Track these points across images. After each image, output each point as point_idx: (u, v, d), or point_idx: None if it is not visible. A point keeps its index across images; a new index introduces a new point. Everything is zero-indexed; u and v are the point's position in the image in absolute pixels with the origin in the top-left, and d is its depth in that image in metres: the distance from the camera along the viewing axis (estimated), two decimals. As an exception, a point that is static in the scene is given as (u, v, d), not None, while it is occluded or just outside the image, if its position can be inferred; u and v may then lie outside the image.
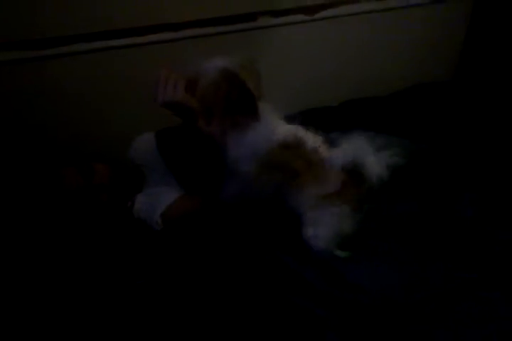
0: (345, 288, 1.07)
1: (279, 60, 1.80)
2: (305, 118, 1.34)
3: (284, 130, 1.11)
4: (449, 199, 1.33)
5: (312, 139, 1.13)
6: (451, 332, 0.97)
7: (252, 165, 1.08)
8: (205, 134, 1.10)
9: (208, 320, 1.03)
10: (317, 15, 1.78)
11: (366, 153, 1.07)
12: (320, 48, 1.87)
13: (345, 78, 1.96)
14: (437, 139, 1.64)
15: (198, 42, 1.63)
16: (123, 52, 1.55)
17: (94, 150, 1.43)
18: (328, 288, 1.07)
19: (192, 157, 1.15)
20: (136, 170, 1.36)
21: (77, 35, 1.46)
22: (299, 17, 1.76)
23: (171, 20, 1.57)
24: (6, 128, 1.49)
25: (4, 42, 1.39)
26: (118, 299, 1.08)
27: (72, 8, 1.42)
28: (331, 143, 1.19)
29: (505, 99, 1.84)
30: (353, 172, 1.08)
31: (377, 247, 1.16)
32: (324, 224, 1.10)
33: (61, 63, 1.48)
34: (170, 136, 1.23)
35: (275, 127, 1.11)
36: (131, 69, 1.58)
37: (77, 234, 1.24)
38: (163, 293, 1.09)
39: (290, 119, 1.18)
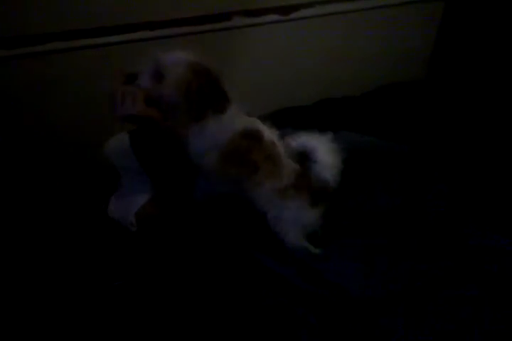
0: (321, 285, 1.10)
1: (253, 60, 1.82)
2: (279, 117, 1.36)
3: (243, 122, 1.12)
4: (420, 193, 1.36)
5: (269, 132, 1.14)
6: (422, 327, 1.00)
7: (214, 157, 1.08)
8: (167, 132, 1.10)
9: (185, 318, 1.04)
10: (292, 16, 1.80)
11: (319, 142, 1.11)
12: (294, 48, 1.88)
13: (319, 78, 1.99)
14: (410, 137, 1.68)
15: (173, 42, 1.63)
16: (97, 50, 1.55)
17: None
18: (305, 285, 1.10)
19: (161, 156, 1.16)
20: (110, 169, 1.35)
21: (53, 33, 1.46)
22: (274, 17, 1.78)
23: (147, 19, 1.57)
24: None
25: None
26: (97, 300, 1.09)
27: (53, 6, 1.42)
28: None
29: (478, 98, 1.89)
30: (306, 165, 1.12)
31: (350, 243, 1.19)
32: (288, 219, 1.12)
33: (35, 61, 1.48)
34: (143, 135, 1.23)
35: (235, 119, 1.11)
36: (103, 68, 1.56)
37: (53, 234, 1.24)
38: (141, 294, 1.10)
39: (263, 119, 1.19)
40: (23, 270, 1.15)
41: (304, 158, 1.13)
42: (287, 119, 1.61)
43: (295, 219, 1.12)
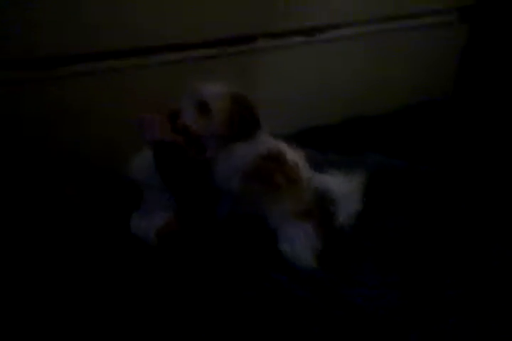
0: (338, 305, 1.08)
1: (278, 81, 1.83)
2: (304, 137, 1.37)
3: (268, 144, 1.15)
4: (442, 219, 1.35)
5: (293, 155, 1.17)
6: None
7: (238, 179, 1.12)
8: (191, 157, 1.15)
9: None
10: (317, 37, 1.82)
11: (343, 193, 1.14)
12: (319, 69, 1.89)
13: (344, 98, 1.98)
14: (437, 159, 1.66)
15: (200, 64, 1.65)
16: (125, 72, 1.57)
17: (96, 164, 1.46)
18: (321, 304, 1.08)
19: (184, 176, 1.19)
20: (134, 186, 1.37)
21: (76, 55, 1.48)
22: (299, 39, 1.80)
23: (174, 42, 1.60)
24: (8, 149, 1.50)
25: (5, 60, 1.40)
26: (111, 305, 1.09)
27: (72, 28, 1.43)
28: (327, 164, 1.23)
29: (503, 117, 1.86)
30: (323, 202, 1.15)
31: (364, 265, 1.19)
32: (298, 240, 1.14)
33: (64, 83, 1.50)
34: (167, 154, 1.25)
35: (260, 143, 1.14)
36: (133, 89, 1.59)
37: (74, 248, 1.25)
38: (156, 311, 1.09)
39: (287, 139, 1.22)
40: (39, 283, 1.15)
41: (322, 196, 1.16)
42: (312, 139, 1.62)
43: (304, 238, 1.14)
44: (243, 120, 1.09)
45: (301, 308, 1.08)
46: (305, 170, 1.17)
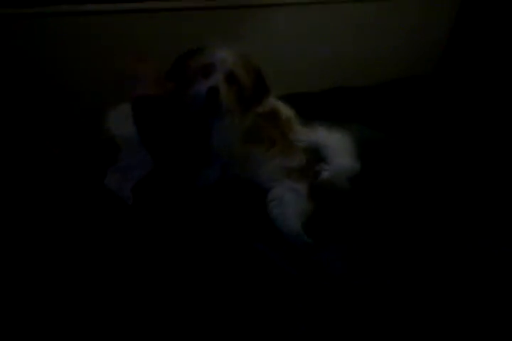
0: (315, 274, 1.09)
1: (268, 40, 1.78)
2: (287, 102, 1.34)
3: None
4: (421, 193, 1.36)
5: (286, 110, 1.19)
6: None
7: (238, 141, 1.12)
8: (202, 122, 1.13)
9: (180, 306, 1.01)
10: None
11: (328, 142, 1.14)
12: (307, 33, 1.85)
13: (331, 66, 1.95)
14: (420, 133, 1.67)
15: (186, 15, 1.58)
16: (113, 18, 1.50)
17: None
18: (300, 274, 1.09)
19: (175, 137, 1.15)
20: (111, 141, 1.32)
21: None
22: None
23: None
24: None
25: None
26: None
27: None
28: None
29: (487, 94, 1.87)
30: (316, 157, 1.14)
31: (342, 235, 1.19)
32: (288, 202, 1.13)
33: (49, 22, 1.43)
34: (149, 109, 1.20)
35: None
36: (120, 36, 1.52)
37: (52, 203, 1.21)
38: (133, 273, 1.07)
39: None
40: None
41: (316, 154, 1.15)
42: (295, 105, 1.59)
43: (296, 202, 1.13)
44: (263, 83, 1.12)
45: (280, 280, 1.08)
46: (297, 125, 1.19)
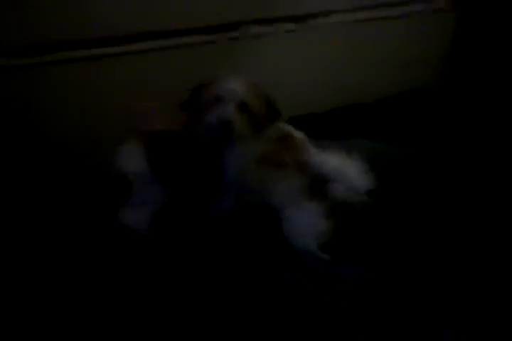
0: (333, 292, 1.10)
1: (265, 68, 1.81)
2: (293, 124, 1.37)
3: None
4: (432, 205, 1.37)
5: (299, 134, 1.23)
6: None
7: (253, 166, 1.16)
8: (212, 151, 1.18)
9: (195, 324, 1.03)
10: (303, 25, 1.81)
11: (333, 165, 1.14)
12: (307, 57, 1.88)
13: (331, 86, 1.97)
14: (424, 145, 1.67)
15: (187, 51, 1.64)
16: (111, 60, 1.55)
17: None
18: (316, 292, 1.10)
19: (180, 167, 1.19)
20: (122, 178, 1.35)
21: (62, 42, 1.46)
22: (286, 26, 1.78)
23: (162, 28, 1.58)
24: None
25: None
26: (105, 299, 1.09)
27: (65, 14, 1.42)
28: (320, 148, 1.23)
29: (490, 106, 1.87)
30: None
31: (360, 252, 1.20)
32: (303, 222, 1.15)
33: (53, 70, 1.48)
34: (160, 145, 1.23)
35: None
36: (119, 76, 1.58)
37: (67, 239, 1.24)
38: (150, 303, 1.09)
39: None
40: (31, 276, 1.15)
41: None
42: (300, 127, 1.61)
43: (310, 222, 1.14)
44: (274, 108, 1.16)
45: (292, 295, 1.09)
46: (311, 149, 1.21)
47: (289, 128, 1.23)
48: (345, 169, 1.14)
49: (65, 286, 1.12)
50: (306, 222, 1.15)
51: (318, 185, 1.15)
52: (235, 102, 1.12)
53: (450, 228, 1.29)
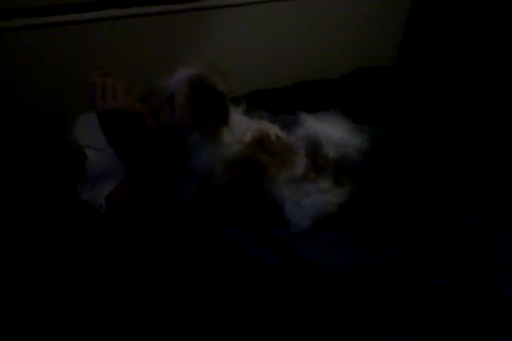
0: (296, 264, 1.12)
1: (229, 41, 1.80)
2: (253, 99, 1.35)
3: (244, 126, 1.11)
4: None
5: (273, 129, 1.14)
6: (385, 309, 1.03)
7: (220, 168, 1.09)
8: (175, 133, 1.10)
9: (163, 298, 1.04)
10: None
11: (319, 130, 1.09)
12: (265, 31, 1.87)
13: (293, 61, 1.98)
14: (383, 123, 1.70)
15: (147, 21, 1.60)
16: (68, 28, 1.50)
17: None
18: (280, 264, 1.11)
19: (150, 148, 1.14)
20: (78, 150, 1.31)
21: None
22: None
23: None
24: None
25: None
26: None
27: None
28: (285, 125, 1.20)
29: (445, 86, 1.92)
30: (314, 154, 1.12)
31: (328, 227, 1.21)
32: (307, 204, 1.14)
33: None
34: (117, 121, 1.18)
35: (235, 128, 1.10)
36: (84, 46, 1.54)
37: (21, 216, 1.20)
38: (108, 278, 1.08)
39: (236, 101, 1.17)
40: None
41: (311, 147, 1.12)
42: (262, 102, 1.60)
43: (314, 202, 1.14)
44: (204, 108, 1.04)
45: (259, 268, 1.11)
46: (285, 137, 1.15)
47: (264, 126, 1.14)
48: (334, 130, 1.09)
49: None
50: (311, 204, 1.14)
51: (310, 165, 1.12)
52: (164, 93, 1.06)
53: (411, 203, 1.30)
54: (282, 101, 1.70)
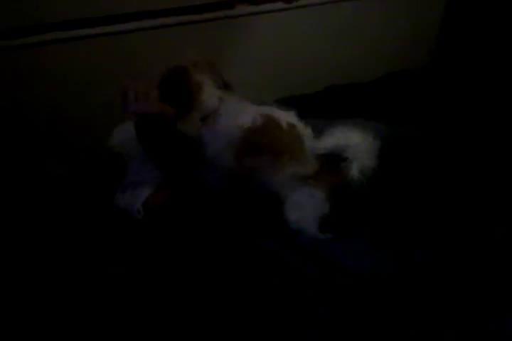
0: (330, 269, 1.11)
1: (257, 48, 1.81)
2: (285, 105, 1.35)
3: (249, 113, 1.12)
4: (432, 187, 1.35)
5: (287, 116, 1.13)
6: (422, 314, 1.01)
7: (230, 156, 1.11)
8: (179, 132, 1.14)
9: (191, 307, 1.05)
10: (295, 3, 1.78)
11: (350, 142, 1.08)
12: (298, 36, 1.87)
13: (323, 65, 1.97)
14: (419, 124, 1.66)
15: (176, 31, 1.63)
16: (100, 40, 1.55)
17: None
18: (314, 270, 1.11)
19: (168, 146, 1.18)
20: (117, 158, 1.36)
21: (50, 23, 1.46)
22: (278, 5, 1.76)
23: (151, 8, 1.56)
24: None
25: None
26: (97, 288, 1.09)
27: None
28: (317, 129, 1.18)
29: (480, 85, 1.87)
30: (331, 159, 1.11)
31: (359, 230, 1.20)
32: (306, 208, 1.13)
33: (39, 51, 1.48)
34: (149, 126, 1.23)
35: (240, 114, 1.12)
36: (109, 57, 1.58)
37: (61, 222, 1.24)
38: (143, 282, 1.11)
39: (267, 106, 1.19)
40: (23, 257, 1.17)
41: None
42: (293, 107, 1.60)
43: (314, 207, 1.13)
44: (175, 95, 1.10)
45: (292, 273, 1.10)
46: (303, 129, 1.13)
47: (271, 110, 1.14)
48: (362, 146, 1.09)
49: (58, 272, 1.13)
50: (310, 209, 1.13)
51: (319, 168, 1.12)
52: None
53: (444, 205, 1.28)
54: (314, 106, 1.70)
